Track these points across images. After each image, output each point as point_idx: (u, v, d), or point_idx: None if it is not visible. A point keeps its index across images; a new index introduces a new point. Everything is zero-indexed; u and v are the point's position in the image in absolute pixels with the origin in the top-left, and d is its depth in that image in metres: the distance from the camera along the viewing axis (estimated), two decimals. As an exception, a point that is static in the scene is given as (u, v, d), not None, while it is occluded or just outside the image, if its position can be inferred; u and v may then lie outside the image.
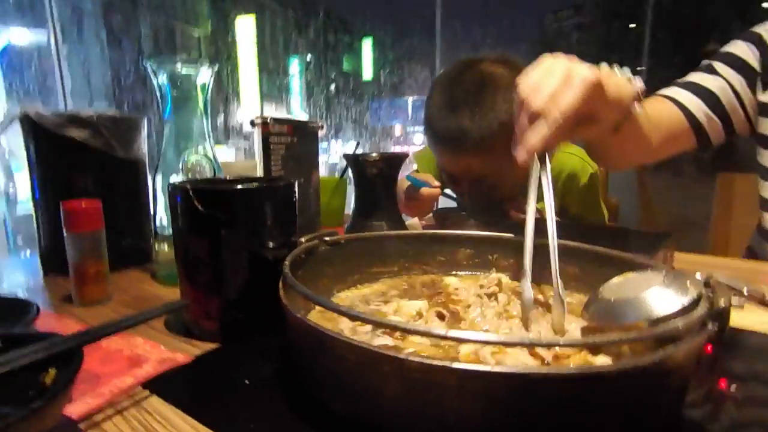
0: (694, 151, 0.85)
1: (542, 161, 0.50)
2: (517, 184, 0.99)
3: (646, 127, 0.74)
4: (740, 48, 0.82)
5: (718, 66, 0.82)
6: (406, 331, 0.30)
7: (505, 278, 0.57)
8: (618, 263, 0.51)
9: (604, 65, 0.64)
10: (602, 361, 0.36)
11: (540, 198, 0.50)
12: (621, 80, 0.60)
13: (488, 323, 0.45)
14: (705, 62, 0.85)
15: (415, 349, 0.38)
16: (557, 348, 0.37)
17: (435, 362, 0.28)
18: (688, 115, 0.81)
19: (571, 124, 0.49)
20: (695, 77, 0.84)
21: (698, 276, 0.41)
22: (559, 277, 0.46)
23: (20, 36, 3.84)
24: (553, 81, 0.49)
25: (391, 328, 0.31)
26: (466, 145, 0.87)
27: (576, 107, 0.48)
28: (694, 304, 0.36)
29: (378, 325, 0.31)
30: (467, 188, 0.98)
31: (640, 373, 0.28)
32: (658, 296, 0.38)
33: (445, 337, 0.29)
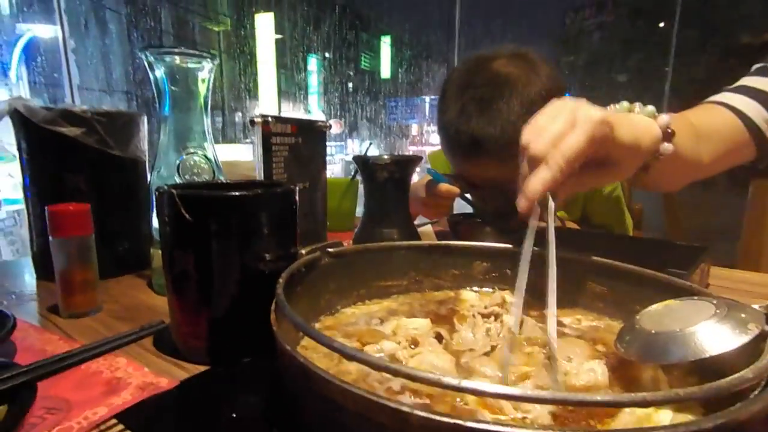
0: (751, 164, 0.75)
1: (544, 208, 0.45)
2: None
3: (692, 148, 0.66)
4: None
5: None
6: (408, 377, 0.25)
7: (510, 297, 0.52)
8: (654, 284, 0.46)
9: (623, 104, 0.57)
10: (640, 411, 0.31)
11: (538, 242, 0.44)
12: (641, 120, 0.54)
13: (470, 345, 0.42)
14: (757, 65, 0.76)
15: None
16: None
17: (444, 419, 0.23)
18: (746, 121, 0.71)
19: (575, 169, 0.44)
20: (749, 81, 0.75)
21: (757, 307, 0.35)
22: (555, 332, 0.39)
23: (43, 31, 3.89)
24: (557, 125, 0.45)
25: (389, 372, 0.26)
26: (482, 152, 0.82)
27: (580, 150, 0.43)
28: (755, 343, 0.31)
29: (373, 366, 0.26)
30: (488, 194, 0.93)
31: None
32: (710, 332, 0.33)
33: (458, 389, 0.24)
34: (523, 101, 0.80)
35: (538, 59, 0.86)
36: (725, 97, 0.74)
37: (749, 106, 0.71)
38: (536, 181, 0.43)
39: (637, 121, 0.53)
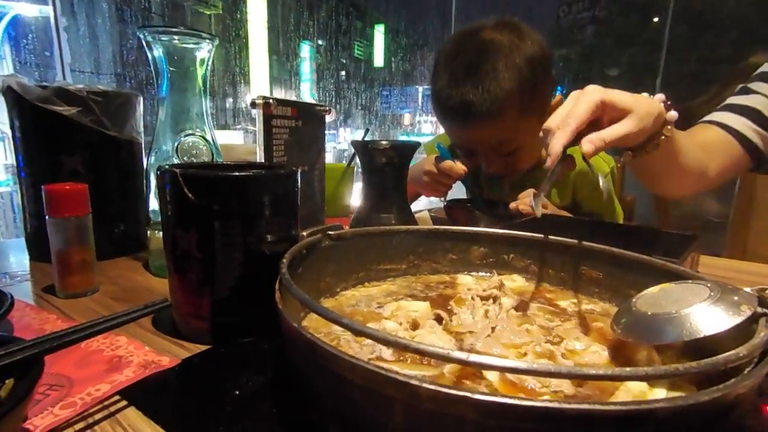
0: (750, 171, 0.86)
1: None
2: (536, 150, 1.01)
3: (698, 159, 0.74)
4: None
5: (755, 85, 0.83)
6: (417, 352, 0.25)
7: (508, 282, 0.53)
8: (647, 269, 0.47)
9: None
10: (636, 388, 0.32)
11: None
12: (638, 96, 0.62)
13: (470, 327, 0.43)
14: (740, 86, 0.86)
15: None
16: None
17: (452, 391, 0.23)
18: (738, 136, 0.80)
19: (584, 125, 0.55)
20: (734, 99, 0.84)
21: (749, 290, 0.36)
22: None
23: (26, 9, 3.80)
24: (565, 107, 0.57)
25: (396, 347, 0.26)
26: (472, 115, 0.86)
27: (585, 112, 0.55)
28: (748, 324, 0.32)
29: (380, 341, 0.27)
30: (485, 160, 0.97)
31: (699, 411, 0.24)
32: (705, 314, 0.33)
33: (465, 362, 0.24)
34: (508, 64, 0.85)
35: (524, 27, 0.90)
36: (715, 116, 0.84)
37: (737, 120, 0.81)
38: (555, 142, 0.53)
39: (631, 95, 0.61)
